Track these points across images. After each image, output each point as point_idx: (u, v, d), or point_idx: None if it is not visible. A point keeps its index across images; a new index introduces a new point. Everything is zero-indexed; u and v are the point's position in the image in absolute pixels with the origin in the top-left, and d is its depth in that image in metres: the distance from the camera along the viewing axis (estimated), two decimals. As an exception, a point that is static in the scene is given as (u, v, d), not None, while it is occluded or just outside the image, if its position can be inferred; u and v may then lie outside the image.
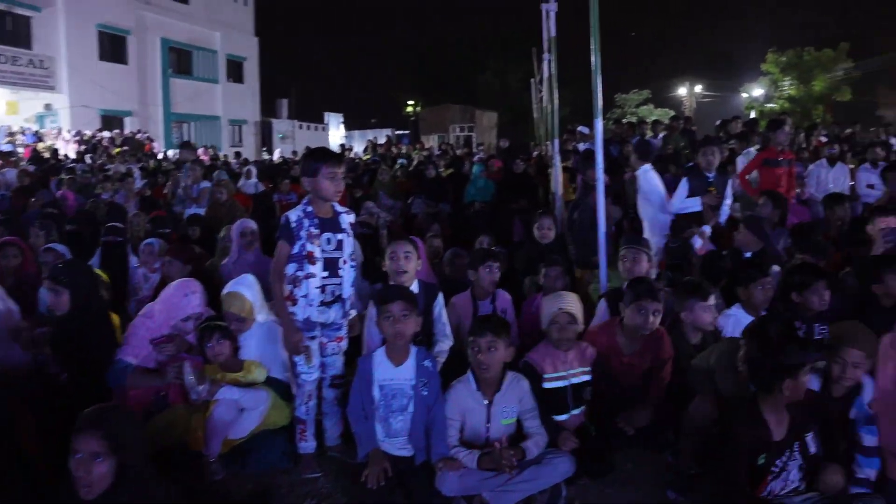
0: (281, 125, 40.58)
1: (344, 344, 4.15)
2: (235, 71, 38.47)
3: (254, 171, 15.11)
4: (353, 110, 52.72)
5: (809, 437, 3.31)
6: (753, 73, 42.91)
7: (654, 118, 21.37)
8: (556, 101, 10.01)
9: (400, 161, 18.18)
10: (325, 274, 3.95)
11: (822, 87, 39.05)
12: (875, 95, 41.37)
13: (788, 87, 39.80)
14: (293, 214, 3.95)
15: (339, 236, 4.00)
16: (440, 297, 4.78)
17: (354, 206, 11.80)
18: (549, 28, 9.59)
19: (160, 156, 22.48)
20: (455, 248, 6.57)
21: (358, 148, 33.25)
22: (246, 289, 4.43)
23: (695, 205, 6.93)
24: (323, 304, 3.96)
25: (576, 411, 4.13)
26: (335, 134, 45.42)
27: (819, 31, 44.85)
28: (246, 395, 4.13)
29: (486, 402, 3.81)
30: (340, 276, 4.00)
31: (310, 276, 3.91)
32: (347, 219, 4.09)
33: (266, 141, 39.64)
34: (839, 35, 40.46)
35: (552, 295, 4.32)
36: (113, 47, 30.64)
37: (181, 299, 4.48)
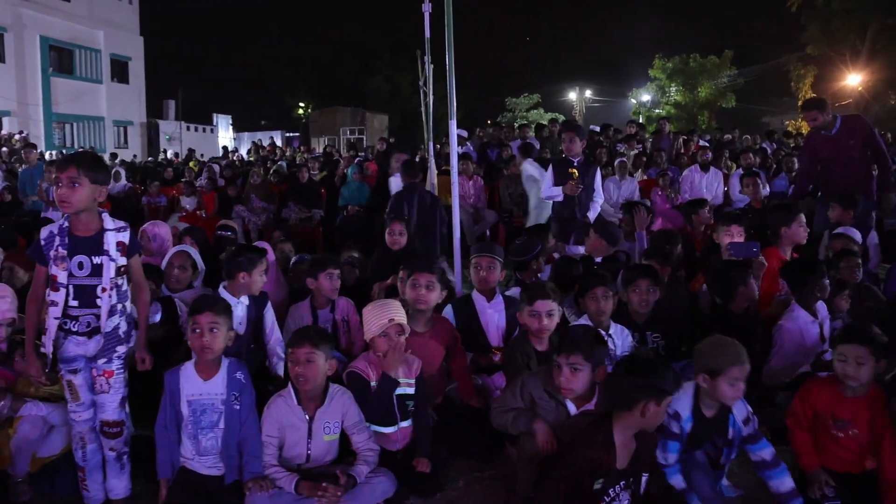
0: (168, 126, 39.85)
1: (116, 380, 3.52)
2: (120, 71, 37.41)
3: (122, 172, 14.56)
4: (242, 112, 51.64)
5: (644, 479, 3.25)
6: (641, 78, 44.10)
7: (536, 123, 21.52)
8: (431, 105, 9.72)
9: (279, 163, 17.65)
10: (75, 303, 3.38)
11: (707, 94, 40.38)
12: (758, 102, 43.11)
13: (675, 92, 41.01)
14: (45, 231, 3.41)
15: (98, 259, 3.38)
16: (269, 308, 4.57)
17: (226, 208, 11.25)
18: (426, 29, 9.28)
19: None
20: (300, 255, 6.29)
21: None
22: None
23: (560, 193, 6.87)
24: (78, 333, 3.42)
25: (404, 424, 3.88)
26: (224, 136, 44.55)
27: (704, 39, 46.49)
28: (55, 412, 3.79)
29: (307, 417, 3.56)
30: (98, 307, 3.40)
31: (53, 303, 3.34)
32: (114, 238, 3.42)
33: (153, 142, 38.74)
34: (724, 43, 42.01)
35: (377, 303, 4.02)
36: (-11, 45, 29.26)
37: None
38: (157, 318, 4.57)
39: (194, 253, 5.25)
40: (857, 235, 6.30)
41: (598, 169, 7.05)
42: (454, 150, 5.64)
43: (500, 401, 3.67)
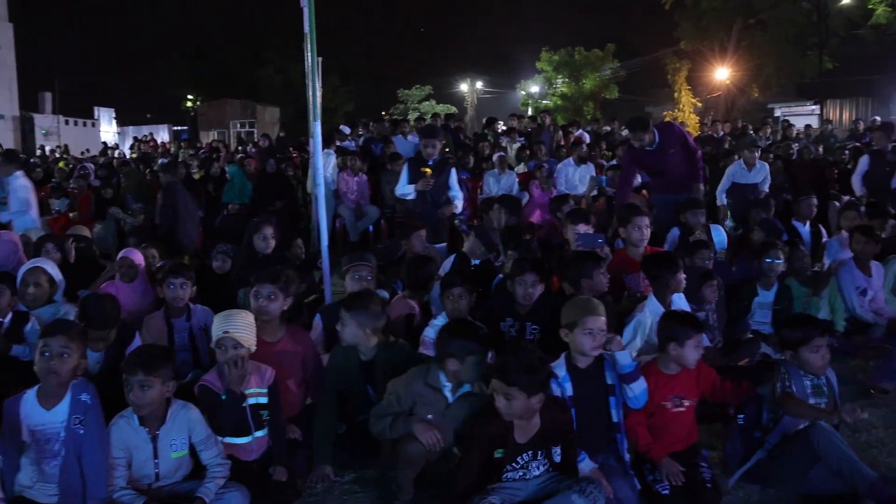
0: (44, 121, 37.95)
1: None
2: (-14, 60, 35.22)
3: None
4: (126, 105, 49.63)
5: (556, 450, 3.52)
6: (529, 70, 44.92)
7: (416, 116, 21.59)
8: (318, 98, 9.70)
9: (161, 161, 17.04)
10: None
11: (592, 86, 41.48)
12: (640, 93, 44.61)
13: (561, 84, 41.95)
14: None
15: None
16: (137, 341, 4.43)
17: (103, 209, 10.88)
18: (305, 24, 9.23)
19: None
20: (165, 262, 6.05)
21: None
22: None
23: (412, 192, 7.17)
24: None
25: (259, 433, 3.88)
26: (107, 130, 42.75)
27: (589, 33, 47.79)
28: None
29: (150, 436, 3.50)
30: None
31: None
32: None
33: (27, 138, 36.62)
34: (607, 37, 43.30)
35: (225, 313, 3.95)
36: None
37: None
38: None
39: (50, 267, 5.00)
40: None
41: (453, 168, 7.34)
42: (318, 154, 5.65)
43: (379, 407, 3.77)
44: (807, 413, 3.75)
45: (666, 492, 3.69)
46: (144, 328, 4.80)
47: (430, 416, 3.66)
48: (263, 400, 3.88)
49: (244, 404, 3.80)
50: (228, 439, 3.76)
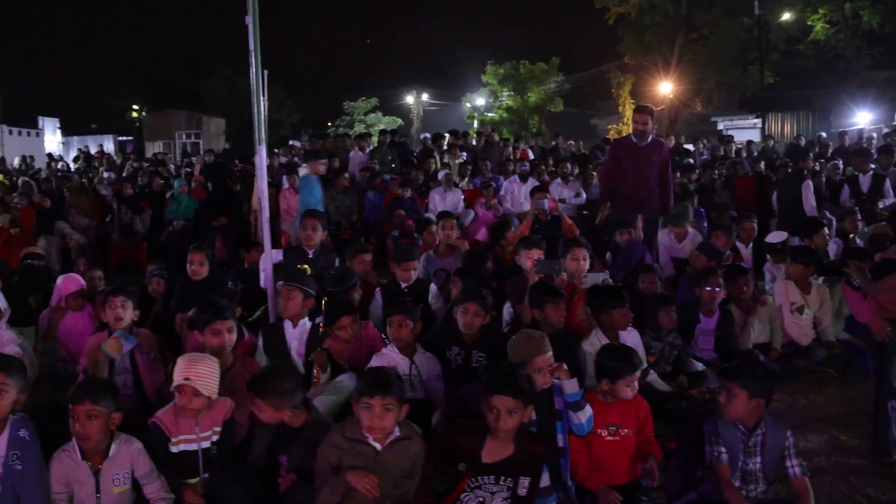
0: (-14, 130, 36.49)
1: None
2: (-77, 68, 33.99)
3: None
4: (71, 114, 48.36)
5: (524, 482, 3.44)
6: (475, 83, 45.10)
7: (361, 131, 21.54)
8: (264, 114, 9.67)
9: (107, 174, 16.73)
10: None
11: (537, 99, 41.80)
12: (585, 106, 45.15)
13: (507, 97, 42.20)
14: None
15: None
16: None
17: (47, 223, 10.64)
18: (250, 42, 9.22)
19: None
20: (106, 287, 5.98)
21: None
22: None
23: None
24: None
25: (207, 475, 3.84)
26: (51, 140, 41.62)
27: (533, 47, 48.22)
28: None
29: (93, 470, 3.49)
30: None
31: None
32: None
33: (-31, 149, 35.42)
34: (551, 51, 43.76)
35: (188, 356, 3.93)
36: None
37: None
38: None
39: None
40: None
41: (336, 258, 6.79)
42: (263, 178, 5.67)
43: (315, 480, 3.53)
44: (733, 499, 3.66)
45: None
46: (87, 350, 4.77)
47: (362, 466, 3.47)
48: (216, 438, 3.84)
49: (196, 448, 3.77)
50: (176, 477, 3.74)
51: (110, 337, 4.59)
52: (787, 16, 29.38)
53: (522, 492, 3.43)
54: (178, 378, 3.70)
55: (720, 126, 32.24)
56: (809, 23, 28.72)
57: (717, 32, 29.45)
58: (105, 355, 4.60)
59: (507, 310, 5.75)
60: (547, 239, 6.36)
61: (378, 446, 3.47)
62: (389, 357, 4.58)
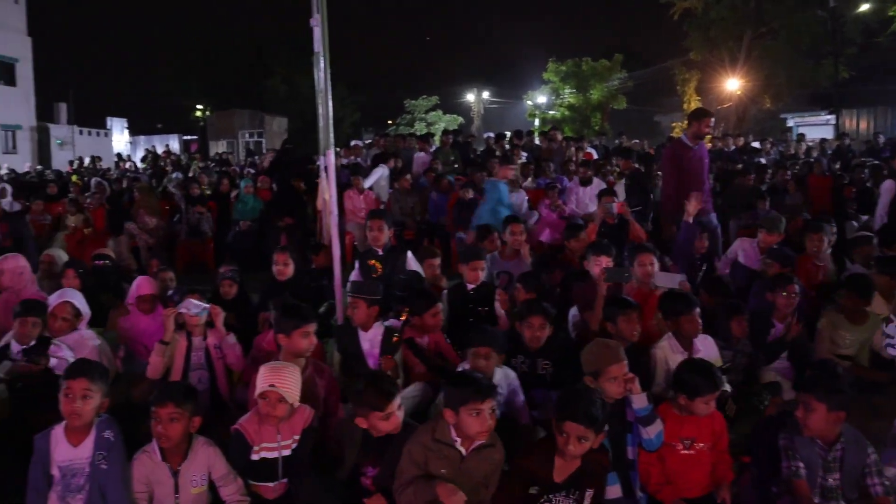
0: (59, 131, 38.24)
1: None
2: (6, 73, 35.92)
3: (9, 189, 13.82)
4: (138, 114, 49.81)
5: (589, 494, 3.46)
6: (536, 81, 44.92)
7: (421, 129, 21.49)
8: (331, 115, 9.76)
9: (175, 175, 17.07)
10: None
11: (600, 96, 41.44)
12: (648, 103, 44.54)
13: (569, 95, 41.93)
14: None
15: None
16: None
17: (118, 223, 10.95)
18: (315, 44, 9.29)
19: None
20: (179, 287, 6.19)
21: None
22: None
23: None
24: None
25: (284, 479, 3.87)
26: (119, 140, 43.00)
27: (596, 43, 47.74)
28: None
29: (172, 471, 3.57)
30: None
31: None
32: None
33: (43, 147, 36.89)
34: (614, 47, 43.28)
35: (271, 365, 3.92)
36: None
37: None
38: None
39: (78, 301, 5.12)
40: None
41: (409, 253, 6.68)
42: (332, 181, 5.70)
43: (399, 478, 3.56)
44: None
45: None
46: (164, 319, 4.82)
47: (443, 472, 3.50)
48: (295, 447, 3.83)
49: (277, 455, 3.79)
50: (252, 482, 3.78)
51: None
52: (864, 7, 28.16)
53: (586, 502, 3.47)
54: (262, 385, 3.72)
55: (790, 123, 31.28)
56: (891, 14, 27.33)
57: (789, 26, 28.49)
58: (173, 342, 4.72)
59: (573, 315, 5.66)
60: (613, 243, 6.24)
61: (464, 451, 3.51)
62: None
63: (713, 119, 7.52)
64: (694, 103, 31.58)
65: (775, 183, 11.54)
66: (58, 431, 3.50)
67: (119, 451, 3.52)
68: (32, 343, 4.66)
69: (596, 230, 7.51)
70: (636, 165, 11.69)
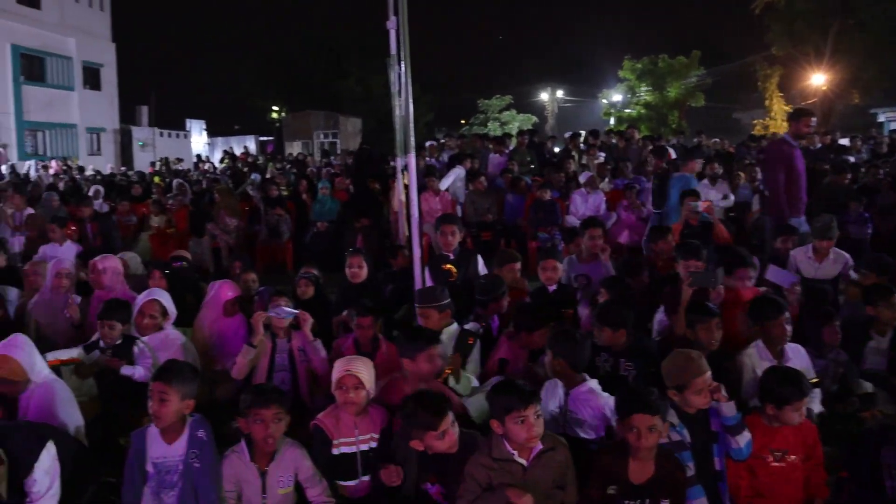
0: (141, 133, 39.29)
1: None
2: (92, 77, 36.79)
3: (101, 191, 14.22)
4: (215, 116, 51.15)
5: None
6: (611, 79, 44.41)
7: (495, 129, 21.34)
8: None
9: (253, 176, 17.37)
10: None
11: (677, 94, 40.66)
12: (727, 100, 43.47)
13: (645, 93, 41.27)
14: None
15: None
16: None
17: (199, 223, 11.22)
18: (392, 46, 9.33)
19: (5, 168, 20.80)
20: (265, 287, 6.35)
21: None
22: (15, 350, 4.07)
23: None
24: None
25: (365, 477, 3.92)
26: (197, 141, 44.16)
27: (672, 40, 46.78)
28: None
29: (260, 471, 3.64)
30: None
31: None
32: None
33: (126, 149, 38.21)
34: (691, 44, 42.33)
35: (344, 358, 4.05)
36: (-41, 54, 28.89)
37: None
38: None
39: (166, 300, 5.25)
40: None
41: (479, 256, 6.56)
42: (413, 184, 5.69)
43: (462, 499, 3.47)
44: None
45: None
46: (255, 321, 4.92)
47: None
48: (374, 445, 3.91)
49: (355, 450, 3.86)
50: (336, 481, 3.83)
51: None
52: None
53: None
54: (339, 371, 3.84)
55: (881, 118, 30.06)
56: None
57: (879, 17, 27.33)
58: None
59: (659, 317, 5.51)
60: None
61: (524, 462, 3.43)
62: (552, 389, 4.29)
63: (814, 119, 7.22)
64: (776, 100, 30.68)
65: (867, 182, 11.03)
66: (153, 429, 3.62)
67: (211, 450, 3.63)
68: (118, 342, 4.87)
69: (679, 231, 7.32)
70: (665, 165, 11.39)
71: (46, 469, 3.38)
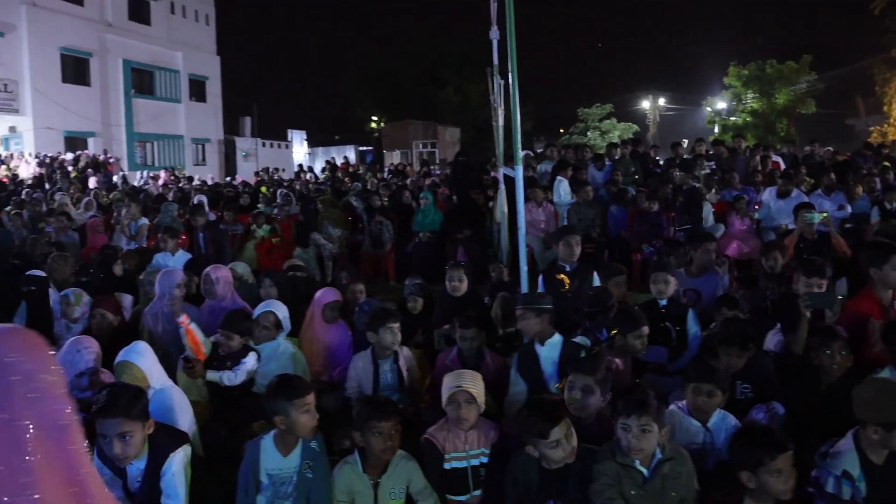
0: (244, 143, 40.70)
1: None
2: (198, 90, 38.57)
3: (205, 200, 14.60)
4: (316, 127, 52.53)
5: None
6: (716, 86, 43.20)
7: (603, 143, 20.95)
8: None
9: (354, 185, 17.64)
10: None
11: (786, 100, 39.17)
12: (840, 106, 41.64)
13: (751, 100, 39.91)
14: None
15: None
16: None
17: (304, 233, 11.42)
18: (494, 56, 9.32)
19: (117, 178, 21.83)
20: (368, 300, 6.29)
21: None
22: (137, 357, 4.22)
23: None
24: None
25: (476, 493, 3.88)
26: (298, 151, 45.35)
27: (780, 45, 45.20)
28: None
29: (372, 483, 3.67)
30: None
31: None
32: None
33: (229, 159, 39.69)
34: (800, 48, 40.73)
35: (454, 372, 4.03)
36: (76, 69, 30.71)
37: (73, 356, 4.52)
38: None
39: (281, 312, 5.35)
40: None
41: (595, 271, 6.37)
42: (520, 194, 5.65)
43: (598, 494, 3.37)
44: None
45: None
46: (351, 367, 5.07)
47: (633, 493, 3.34)
48: (485, 459, 3.87)
49: (466, 465, 3.84)
50: (448, 496, 3.82)
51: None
52: None
53: None
54: (450, 387, 3.83)
55: None
56: None
57: None
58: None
59: (772, 337, 5.24)
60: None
61: (644, 471, 3.35)
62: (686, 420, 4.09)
63: None
64: (896, 105, 29.12)
65: None
66: (267, 441, 3.68)
67: (323, 461, 3.66)
68: (232, 351, 5.03)
69: (794, 245, 7.01)
70: (693, 183, 10.88)
71: (178, 469, 3.50)
